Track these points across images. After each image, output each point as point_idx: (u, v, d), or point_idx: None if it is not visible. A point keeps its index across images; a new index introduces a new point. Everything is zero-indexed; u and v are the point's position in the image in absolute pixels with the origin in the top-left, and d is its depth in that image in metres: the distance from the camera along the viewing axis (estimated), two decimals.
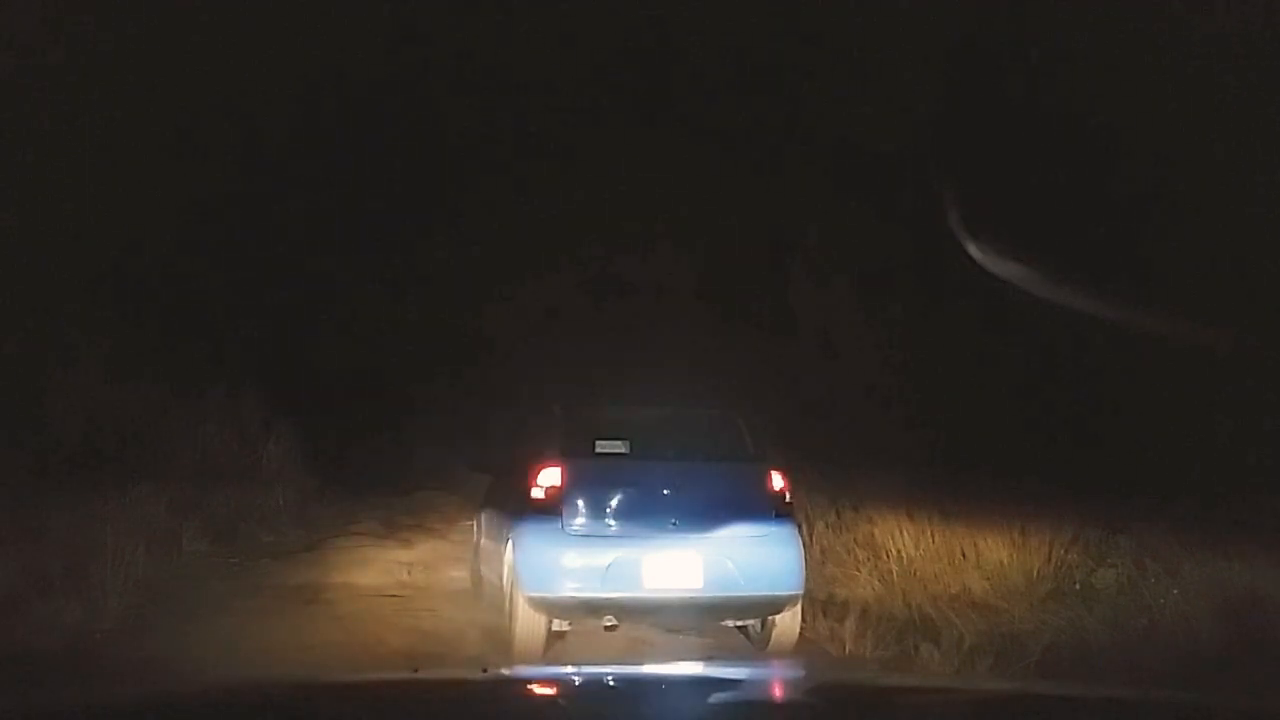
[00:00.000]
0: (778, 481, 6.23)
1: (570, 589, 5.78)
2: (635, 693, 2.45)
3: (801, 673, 3.88)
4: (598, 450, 6.21)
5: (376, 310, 14.84)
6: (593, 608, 5.82)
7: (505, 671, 3.66)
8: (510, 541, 6.10)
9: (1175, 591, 5.91)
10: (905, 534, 7.66)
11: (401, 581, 8.12)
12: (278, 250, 13.42)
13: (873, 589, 7.29)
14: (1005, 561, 7.03)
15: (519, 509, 6.12)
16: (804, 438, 8.55)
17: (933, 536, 7.57)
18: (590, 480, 6.02)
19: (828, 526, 8.34)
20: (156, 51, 9.70)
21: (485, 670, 2.62)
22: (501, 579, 6.27)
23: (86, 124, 9.50)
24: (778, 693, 2.55)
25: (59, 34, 8.58)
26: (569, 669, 4.32)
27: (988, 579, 7.01)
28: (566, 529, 5.88)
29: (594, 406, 6.68)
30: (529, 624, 5.84)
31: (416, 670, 2.57)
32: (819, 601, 6.88)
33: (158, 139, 10.55)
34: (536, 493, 5.98)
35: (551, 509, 5.92)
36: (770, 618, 6.15)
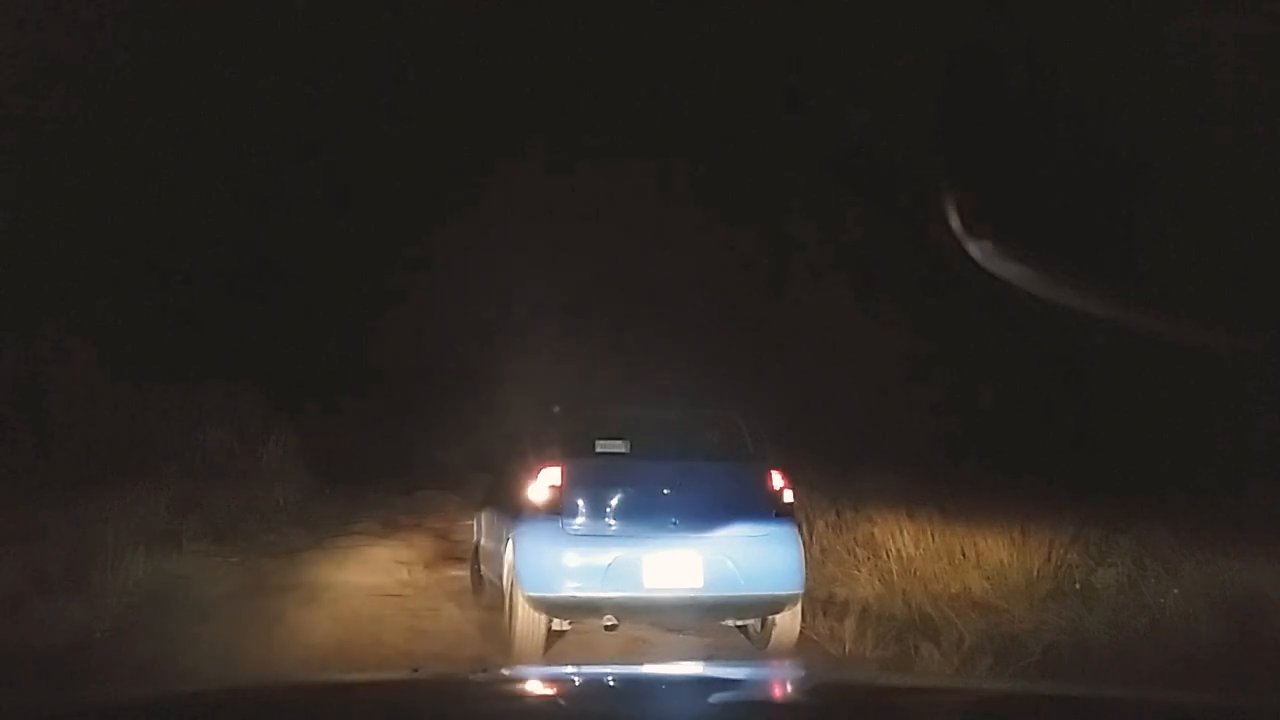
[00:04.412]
0: (778, 481, 6.22)
1: (570, 589, 5.78)
2: (635, 693, 2.45)
3: (801, 673, 3.88)
4: (598, 450, 6.20)
5: (376, 309, 14.86)
6: (593, 607, 5.81)
7: (505, 671, 3.67)
8: (510, 541, 6.10)
9: (1175, 591, 5.90)
10: (905, 533, 7.66)
11: (402, 581, 8.13)
12: (277, 249, 13.43)
13: (873, 588, 7.28)
14: (1005, 561, 7.03)
15: (519, 509, 6.12)
16: (804, 437, 8.55)
17: (933, 536, 7.58)
18: (590, 480, 6.01)
19: (828, 526, 8.34)
20: (155, 49, 9.70)
21: (485, 670, 2.62)
22: (501, 579, 6.27)
23: (84, 121, 9.50)
24: (778, 693, 2.54)
25: (57, 31, 8.58)
26: (569, 669, 4.32)
27: (988, 579, 7.01)
28: (566, 529, 5.88)
29: (594, 406, 6.67)
30: (529, 624, 5.84)
31: (416, 670, 2.57)
32: (819, 601, 6.88)
33: (156, 137, 10.55)
34: (536, 493, 5.98)
35: (551, 509, 5.91)
36: (770, 617, 6.14)
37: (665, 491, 6.02)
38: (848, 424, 9.67)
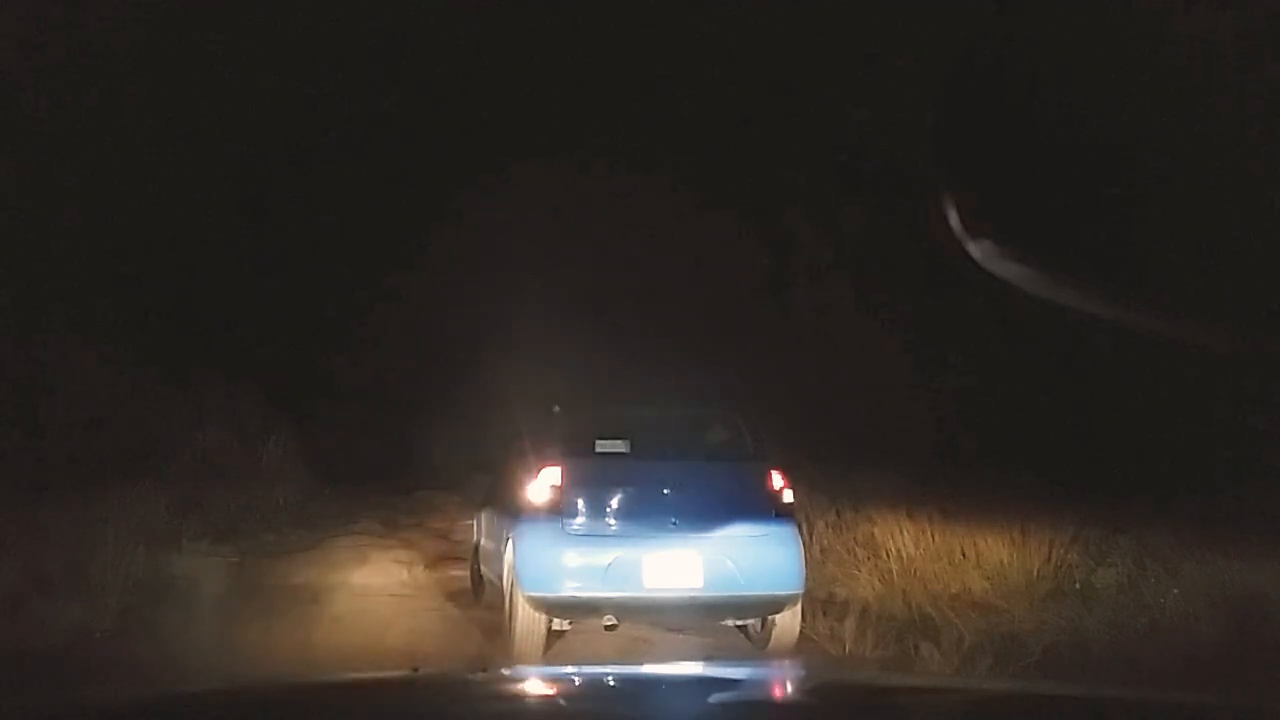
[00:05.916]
0: (778, 480, 6.21)
1: (570, 589, 5.78)
2: (635, 693, 2.44)
3: (801, 673, 3.88)
4: (598, 450, 6.20)
5: (376, 309, 14.86)
6: (592, 607, 5.81)
7: (505, 671, 3.66)
8: (510, 541, 6.10)
9: (1175, 591, 5.90)
10: (905, 533, 7.66)
11: (402, 581, 8.14)
12: (278, 249, 13.43)
13: (873, 588, 7.28)
14: (1005, 561, 7.03)
15: (519, 509, 6.12)
16: (804, 437, 8.55)
17: (933, 536, 7.57)
18: (590, 480, 6.01)
19: (828, 526, 8.34)
20: (156, 47, 9.70)
21: (485, 670, 2.62)
22: (501, 579, 6.27)
23: (85, 119, 9.50)
24: (778, 693, 2.54)
25: (57, 30, 8.58)
26: (569, 669, 4.32)
27: (988, 579, 7.01)
28: (566, 529, 5.88)
29: (594, 406, 6.67)
30: (529, 624, 5.84)
31: (416, 670, 2.57)
32: (819, 601, 6.88)
33: (158, 135, 10.55)
34: (536, 493, 5.98)
35: (551, 509, 5.91)
36: (770, 617, 6.14)
37: (665, 491, 6.02)
38: (848, 424, 9.67)
